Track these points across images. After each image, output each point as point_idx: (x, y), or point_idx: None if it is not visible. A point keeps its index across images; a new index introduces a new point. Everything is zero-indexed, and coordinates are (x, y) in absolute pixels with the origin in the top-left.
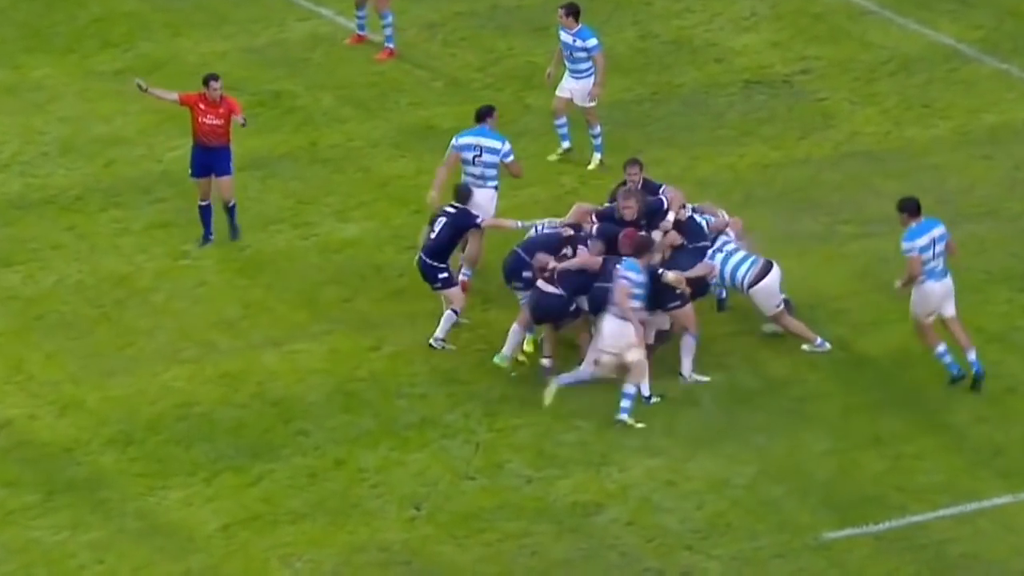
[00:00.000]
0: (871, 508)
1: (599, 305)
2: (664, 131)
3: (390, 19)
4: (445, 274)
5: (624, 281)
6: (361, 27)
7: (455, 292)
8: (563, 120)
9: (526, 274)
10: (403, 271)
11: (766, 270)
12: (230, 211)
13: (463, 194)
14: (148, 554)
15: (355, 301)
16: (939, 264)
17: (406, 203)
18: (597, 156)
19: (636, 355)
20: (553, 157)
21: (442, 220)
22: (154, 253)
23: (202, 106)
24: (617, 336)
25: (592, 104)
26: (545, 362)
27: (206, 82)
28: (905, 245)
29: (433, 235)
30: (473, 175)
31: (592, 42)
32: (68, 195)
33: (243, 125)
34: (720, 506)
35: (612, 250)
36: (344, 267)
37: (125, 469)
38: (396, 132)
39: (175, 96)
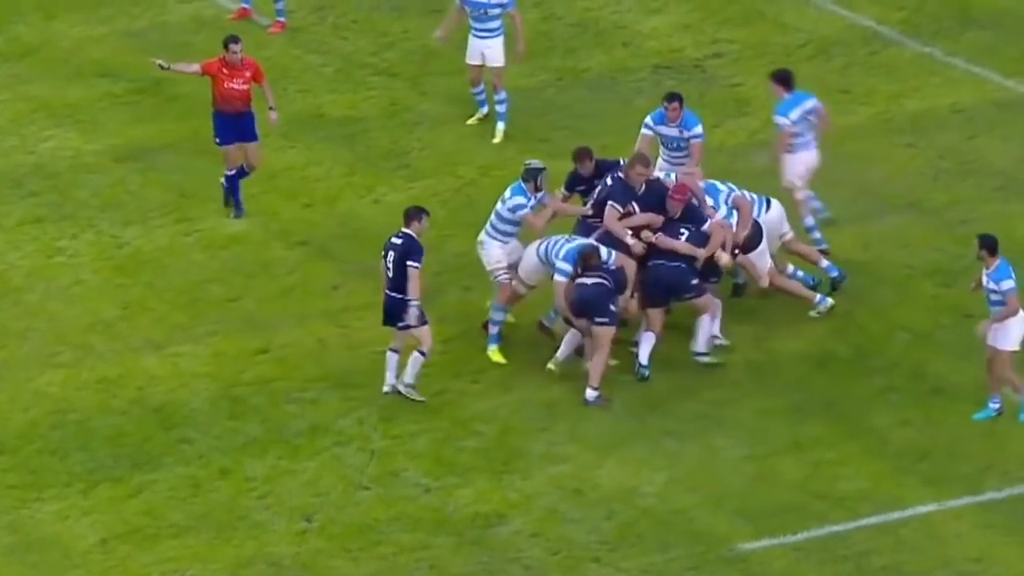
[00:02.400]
0: (789, 517)
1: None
2: (569, 119)
3: None
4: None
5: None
6: (247, 0)
7: (425, 332)
8: (481, 88)
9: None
10: (292, 268)
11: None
12: (242, 174)
13: (410, 216)
14: (21, 570)
15: (241, 301)
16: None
17: (295, 196)
18: (501, 126)
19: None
20: (472, 121)
21: (391, 254)
22: (27, 250)
23: (225, 71)
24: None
25: (504, 66)
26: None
27: (226, 44)
28: (777, 119)
29: (389, 272)
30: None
31: None
32: None
33: (273, 120)
34: (629, 516)
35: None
36: (229, 264)
37: None
38: (285, 121)
39: (197, 68)
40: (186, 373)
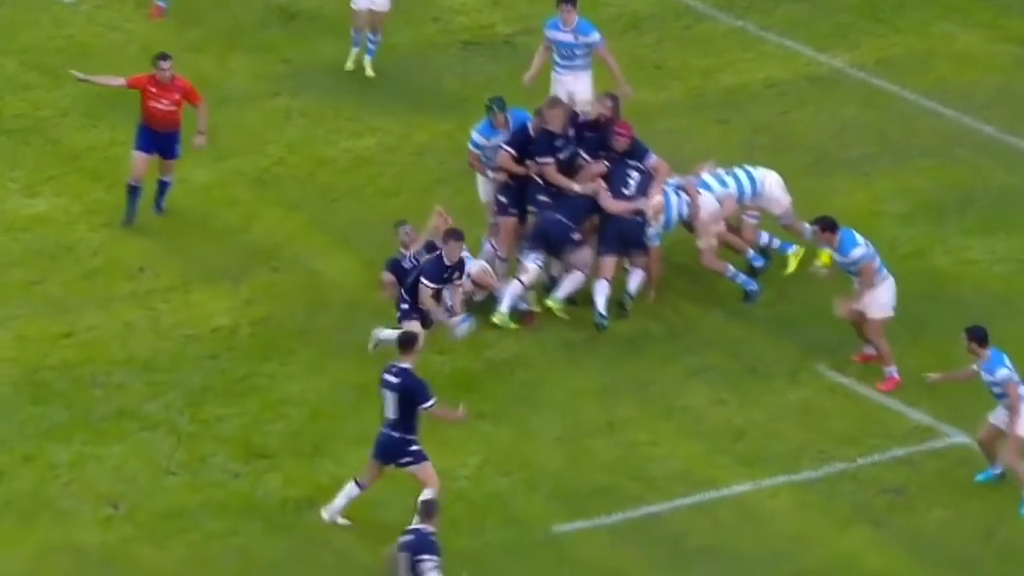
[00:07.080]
0: (604, 499)
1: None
2: (378, 97)
3: None
4: (415, 447)
5: None
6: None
7: (427, 471)
8: (361, 35)
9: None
10: (96, 250)
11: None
12: (163, 185)
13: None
14: None
15: (45, 284)
16: None
17: (100, 176)
18: (369, 59)
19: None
20: (349, 66)
21: (385, 393)
22: None
23: (152, 89)
24: None
25: (389, 11)
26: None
27: (155, 61)
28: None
29: (388, 412)
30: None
31: None
32: None
33: (198, 144)
34: (443, 499)
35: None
36: (32, 247)
37: None
38: (87, 100)
39: (122, 81)
40: None
